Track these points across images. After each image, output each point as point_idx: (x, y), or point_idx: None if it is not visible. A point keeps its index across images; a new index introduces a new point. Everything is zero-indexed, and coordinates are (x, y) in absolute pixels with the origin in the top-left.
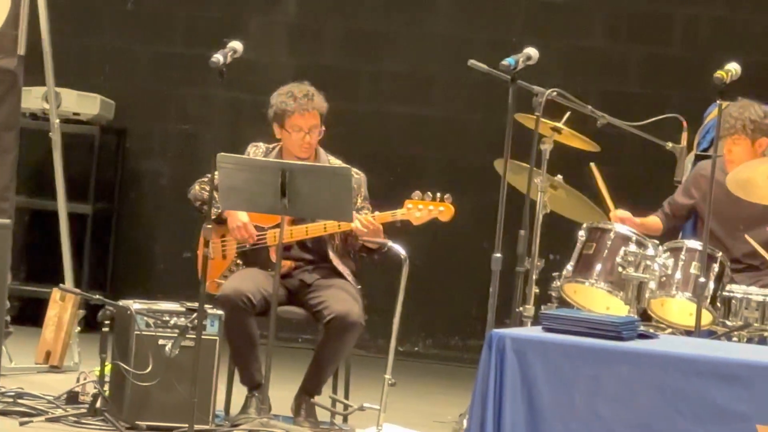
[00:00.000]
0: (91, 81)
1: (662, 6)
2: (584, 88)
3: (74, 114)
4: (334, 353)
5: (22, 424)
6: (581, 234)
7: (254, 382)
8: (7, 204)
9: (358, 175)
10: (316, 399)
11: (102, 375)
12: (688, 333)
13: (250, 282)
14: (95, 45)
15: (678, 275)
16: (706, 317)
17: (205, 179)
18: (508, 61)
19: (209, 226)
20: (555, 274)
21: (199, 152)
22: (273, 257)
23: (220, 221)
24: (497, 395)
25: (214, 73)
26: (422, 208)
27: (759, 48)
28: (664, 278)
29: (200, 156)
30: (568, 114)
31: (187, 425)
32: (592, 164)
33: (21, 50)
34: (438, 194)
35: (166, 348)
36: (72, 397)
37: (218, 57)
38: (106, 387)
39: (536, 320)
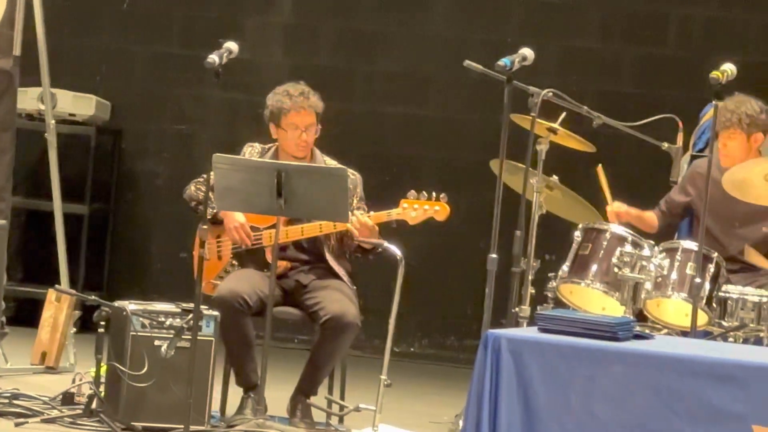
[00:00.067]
0: (87, 82)
1: (657, 6)
2: (580, 89)
3: (70, 115)
4: (329, 354)
5: (17, 425)
6: (577, 234)
7: (250, 383)
8: (3, 204)
9: (353, 176)
10: (312, 400)
11: (97, 376)
12: (684, 333)
13: (246, 283)
14: (91, 45)
15: (674, 276)
16: (702, 318)
17: (201, 179)
18: (503, 62)
19: (205, 226)
20: (551, 274)
21: (195, 153)
22: (269, 258)
23: (216, 222)
24: (493, 396)
25: (210, 74)
26: (418, 208)
27: (754, 48)
28: (660, 279)
29: (196, 156)
30: (563, 114)
31: (182, 426)
32: (599, 167)
33: (17, 51)
34: (434, 194)
35: (162, 349)
36: (67, 398)
37: (214, 57)
38: (102, 388)
39: (532, 321)
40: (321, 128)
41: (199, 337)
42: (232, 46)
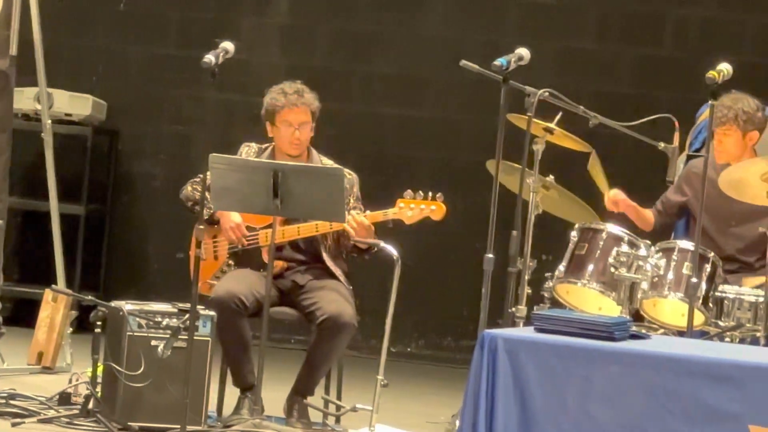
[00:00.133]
0: (84, 82)
1: (654, 7)
2: (576, 89)
3: (66, 115)
4: (326, 354)
5: (14, 425)
6: (573, 234)
7: (247, 383)
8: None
9: (350, 176)
10: (309, 400)
11: (94, 376)
12: (681, 333)
13: (243, 283)
14: (87, 46)
15: (670, 275)
16: (699, 318)
17: (198, 179)
18: (499, 62)
19: (201, 227)
20: (547, 274)
21: (192, 153)
22: (265, 258)
23: (213, 222)
24: (489, 396)
25: (207, 74)
26: (414, 207)
27: (751, 48)
28: (657, 279)
29: (193, 157)
30: (560, 114)
31: (179, 426)
32: (593, 155)
33: (13, 51)
34: (430, 193)
35: (159, 349)
36: (64, 398)
37: (210, 57)
38: (99, 388)
39: (529, 321)
40: (318, 128)
41: (195, 338)
42: (228, 46)
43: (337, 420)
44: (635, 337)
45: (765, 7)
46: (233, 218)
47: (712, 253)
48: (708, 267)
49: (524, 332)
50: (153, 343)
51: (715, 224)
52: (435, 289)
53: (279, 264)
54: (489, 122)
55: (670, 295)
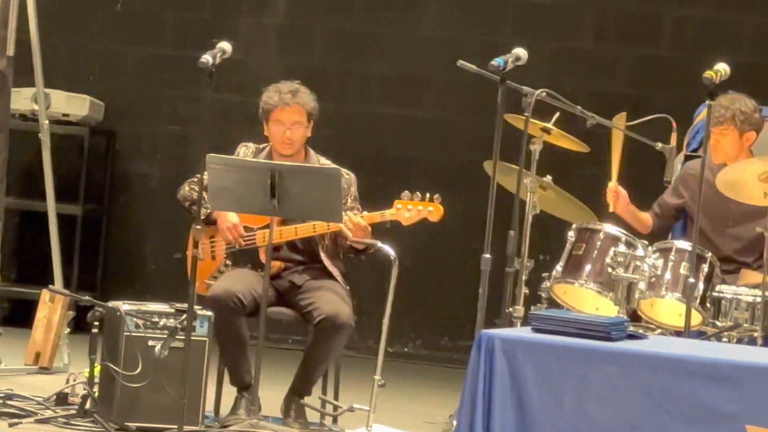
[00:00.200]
0: (81, 82)
1: (651, 7)
2: (574, 89)
3: (64, 115)
4: (323, 354)
5: (11, 425)
6: (571, 234)
7: (244, 383)
8: None
9: (348, 176)
10: (306, 400)
11: (91, 376)
12: (678, 334)
13: (240, 283)
14: (85, 46)
15: (667, 276)
16: (696, 318)
17: (195, 180)
18: (497, 62)
19: (198, 227)
20: (545, 274)
21: (189, 153)
22: (262, 258)
23: (210, 222)
24: (486, 396)
25: (204, 75)
26: (411, 208)
27: (747, 49)
28: (654, 279)
29: (190, 157)
30: (557, 114)
31: (176, 426)
32: (620, 115)
33: (10, 51)
34: (427, 194)
35: (156, 349)
36: (61, 399)
37: (207, 58)
38: (96, 388)
39: (526, 321)
40: (315, 128)
41: (192, 338)
42: (225, 46)
43: (335, 420)
44: (632, 337)
45: (763, 8)
46: (230, 218)
47: (710, 253)
48: (705, 267)
49: (521, 332)
50: (150, 343)
51: (712, 225)
52: (432, 289)
53: (276, 264)
54: (486, 122)
55: (667, 295)
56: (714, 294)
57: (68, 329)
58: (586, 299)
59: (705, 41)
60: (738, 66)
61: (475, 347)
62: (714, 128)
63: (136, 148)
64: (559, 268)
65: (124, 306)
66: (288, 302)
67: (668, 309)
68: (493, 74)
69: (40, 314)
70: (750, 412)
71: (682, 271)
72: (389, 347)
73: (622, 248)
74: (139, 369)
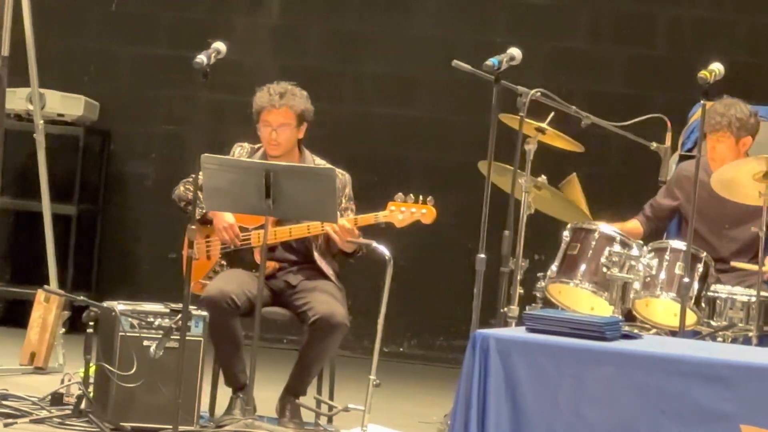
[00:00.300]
0: (76, 82)
1: (646, 7)
2: (569, 89)
3: (59, 115)
4: (318, 354)
5: (6, 425)
6: (566, 234)
7: (239, 383)
8: None
9: (343, 176)
10: (301, 400)
11: (86, 376)
12: (673, 333)
13: (235, 283)
14: (80, 46)
15: (662, 275)
16: (691, 318)
17: (190, 180)
18: (491, 62)
19: (193, 227)
20: (540, 274)
21: (184, 153)
22: (257, 258)
23: (206, 221)
24: (481, 396)
25: (198, 74)
26: (405, 210)
27: (743, 49)
28: (649, 278)
29: (184, 157)
30: (552, 114)
31: (171, 426)
32: (574, 175)
33: (5, 51)
34: (420, 196)
35: (151, 349)
36: (56, 399)
37: (202, 58)
38: (91, 388)
39: (521, 321)
40: (310, 128)
41: (187, 338)
42: (220, 46)
43: (330, 420)
44: (627, 337)
45: (757, 8)
46: (226, 218)
47: (704, 253)
48: (700, 267)
49: (516, 332)
50: (145, 343)
51: (708, 227)
52: (427, 289)
53: (271, 264)
54: (481, 122)
55: (662, 295)
56: (709, 294)
57: (63, 329)
58: (581, 299)
59: (700, 41)
60: (733, 66)
61: (469, 347)
62: (710, 135)
63: (131, 148)
64: (554, 267)
65: (119, 306)
66: (283, 302)
67: (663, 309)
68: (487, 74)
69: (35, 314)
70: (744, 411)
71: (677, 270)
72: (384, 347)
73: (617, 248)
74: (134, 369)
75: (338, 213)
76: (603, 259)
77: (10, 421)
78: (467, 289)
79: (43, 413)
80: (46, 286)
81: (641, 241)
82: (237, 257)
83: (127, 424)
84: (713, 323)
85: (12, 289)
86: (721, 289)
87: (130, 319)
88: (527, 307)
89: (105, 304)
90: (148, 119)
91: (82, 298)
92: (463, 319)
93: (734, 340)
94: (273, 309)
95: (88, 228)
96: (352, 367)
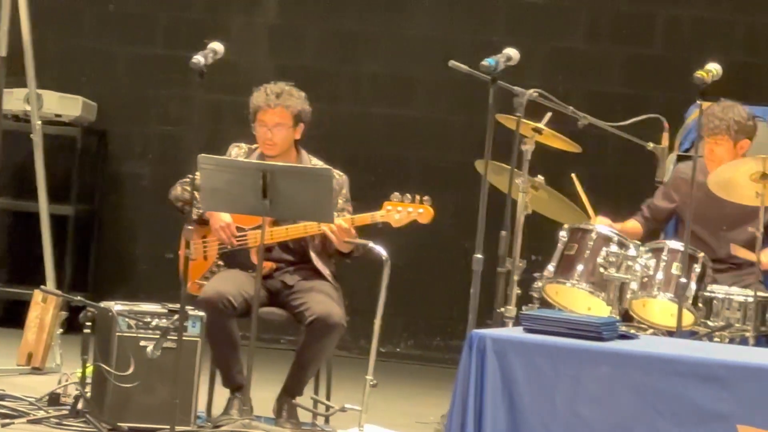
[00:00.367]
0: (73, 83)
1: (644, 6)
2: (567, 89)
3: (56, 115)
4: (315, 354)
5: (3, 425)
6: (562, 235)
7: (236, 384)
8: None
9: (340, 177)
10: (298, 400)
11: (83, 376)
12: (670, 333)
13: (231, 284)
14: (77, 46)
15: (659, 276)
16: (688, 318)
17: (187, 180)
18: (488, 62)
19: (190, 227)
20: (536, 274)
21: (181, 154)
22: (254, 258)
23: (203, 222)
24: (478, 396)
25: (195, 75)
26: (401, 210)
27: (741, 49)
28: (646, 279)
29: (181, 157)
30: (549, 114)
31: (168, 427)
32: (573, 175)
33: (2, 51)
34: (417, 196)
35: (148, 349)
36: (53, 399)
37: (198, 58)
38: (88, 388)
39: (518, 321)
40: (306, 129)
41: (184, 338)
42: (217, 46)
43: (326, 420)
44: (624, 337)
45: (755, 8)
46: (223, 218)
47: (702, 253)
48: (697, 267)
49: (513, 332)
50: (142, 343)
51: (705, 228)
52: (424, 289)
53: (268, 265)
54: (478, 122)
55: (659, 296)
56: (706, 294)
57: (60, 329)
58: (578, 299)
59: (698, 41)
60: (731, 66)
61: (466, 347)
62: (708, 138)
63: (128, 148)
64: (551, 268)
65: (116, 306)
66: (280, 302)
67: (660, 309)
68: (484, 74)
69: (32, 314)
70: (741, 411)
71: (674, 271)
72: (381, 347)
73: (614, 248)
74: (131, 369)
75: (335, 213)
76: (600, 260)
77: (7, 421)
78: (464, 290)
79: (41, 413)
80: (43, 287)
81: (638, 241)
82: (234, 258)
83: (124, 425)
84: (710, 323)
85: (9, 289)
86: (718, 290)
87: (127, 320)
88: (524, 308)
89: (102, 304)
90: (145, 119)
91: (79, 298)
92: (460, 319)
93: (731, 341)
94: (270, 309)
95: (85, 228)
96: (349, 367)
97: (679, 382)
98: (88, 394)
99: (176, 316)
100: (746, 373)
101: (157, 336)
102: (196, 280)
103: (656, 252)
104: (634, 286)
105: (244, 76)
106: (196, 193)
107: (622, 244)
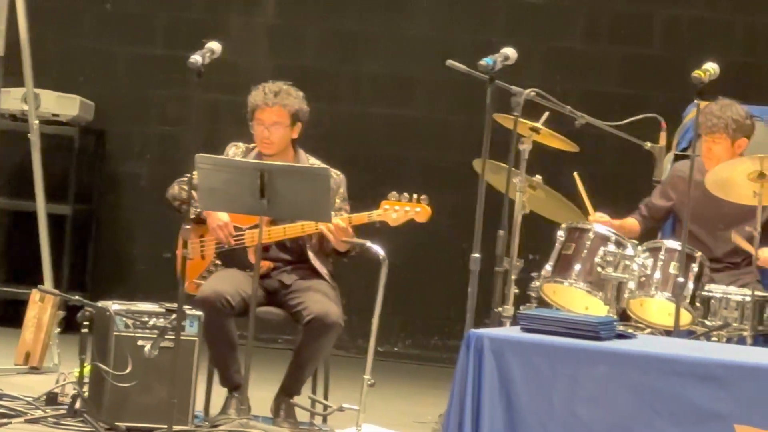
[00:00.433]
0: (71, 82)
1: (642, 6)
2: (564, 88)
3: (53, 115)
4: (313, 354)
5: (1, 425)
6: (560, 234)
7: (233, 383)
8: None
9: (337, 176)
10: (296, 399)
11: (81, 376)
12: (668, 333)
13: (229, 283)
14: (75, 46)
15: (657, 275)
16: (686, 317)
17: (185, 179)
18: (486, 61)
19: (188, 226)
20: (534, 274)
21: (178, 153)
22: (252, 258)
23: (200, 221)
24: (475, 395)
25: (193, 74)
26: (399, 209)
27: (739, 49)
28: (643, 278)
29: (179, 157)
30: (546, 114)
31: (166, 426)
32: (575, 174)
33: (0, 51)
34: (414, 195)
35: (146, 349)
36: (51, 399)
37: (196, 58)
38: (86, 388)
39: (515, 320)
40: (305, 128)
41: (182, 337)
42: (214, 46)
43: (324, 420)
44: (621, 336)
45: (754, 8)
46: (221, 217)
47: (699, 253)
48: (695, 266)
49: (510, 332)
50: (140, 343)
51: (704, 229)
52: (422, 288)
53: (265, 264)
54: (476, 122)
55: (657, 295)
56: (703, 293)
57: (58, 329)
58: (575, 299)
59: (696, 41)
60: (728, 65)
61: (463, 347)
62: (706, 137)
63: (125, 148)
64: (548, 267)
65: (113, 306)
66: (277, 302)
67: (658, 308)
68: (481, 74)
69: (30, 314)
70: (738, 411)
71: (672, 270)
72: (379, 346)
73: (611, 248)
74: (128, 369)
75: (332, 213)
76: (598, 259)
77: (4, 420)
78: (462, 289)
79: (38, 413)
80: (40, 286)
81: (636, 241)
82: (231, 257)
83: (122, 424)
84: (708, 323)
85: (7, 288)
86: (715, 289)
87: (124, 319)
88: (522, 307)
89: (100, 303)
90: (143, 119)
91: (77, 297)
92: (457, 318)
93: (729, 340)
94: (267, 309)
95: (82, 228)
96: (346, 366)
97: (677, 382)
98: (86, 394)
99: (174, 316)
100: (744, 373)
101: (155, 335)
102: (193, 280)
103: (654, 251)
104: (631, 285)
105: (244, 76)
106: (193, 193)
107: (619, 244)
